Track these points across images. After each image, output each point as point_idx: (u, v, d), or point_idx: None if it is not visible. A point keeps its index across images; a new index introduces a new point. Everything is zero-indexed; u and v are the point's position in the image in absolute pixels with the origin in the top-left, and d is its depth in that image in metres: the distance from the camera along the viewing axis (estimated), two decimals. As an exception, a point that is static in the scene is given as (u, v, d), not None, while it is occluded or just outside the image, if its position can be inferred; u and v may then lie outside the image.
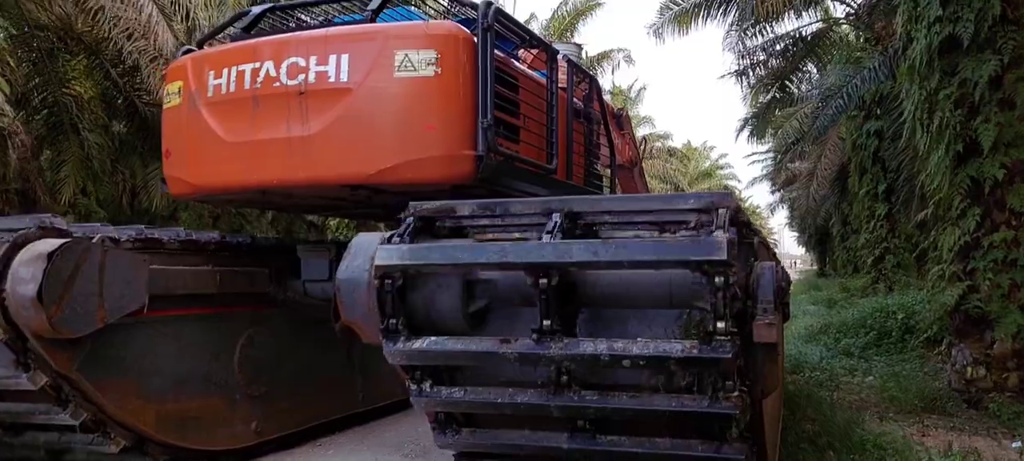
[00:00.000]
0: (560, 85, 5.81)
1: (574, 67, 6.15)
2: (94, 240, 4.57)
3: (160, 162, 5.75)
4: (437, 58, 4.71)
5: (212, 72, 5.20)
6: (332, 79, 4.84)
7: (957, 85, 7.08)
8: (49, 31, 13.01)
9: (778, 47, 14.26)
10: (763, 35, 14.35)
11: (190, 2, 13.99)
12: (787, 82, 14.62)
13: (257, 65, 5.03)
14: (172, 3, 13.48)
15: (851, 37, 14.95)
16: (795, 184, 26.12)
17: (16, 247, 4.37)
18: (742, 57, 14.77)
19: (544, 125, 5.54)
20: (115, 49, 12.93)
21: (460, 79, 4.76)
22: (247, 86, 5.05)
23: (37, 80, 12.98)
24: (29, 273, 4.24)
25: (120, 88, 14.33)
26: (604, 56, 27.00)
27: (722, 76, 32.47)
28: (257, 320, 5.90)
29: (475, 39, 4.84)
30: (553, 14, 25.35)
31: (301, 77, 4.90)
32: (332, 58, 4.85)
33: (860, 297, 13.24)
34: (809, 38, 14.42)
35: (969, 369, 7.38)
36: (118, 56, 13.22)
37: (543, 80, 5.68)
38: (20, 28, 12.81)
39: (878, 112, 12.06)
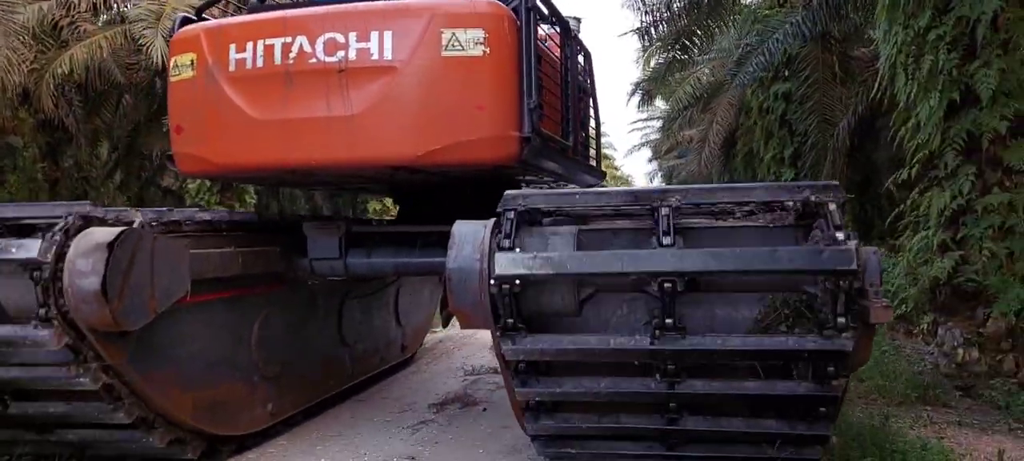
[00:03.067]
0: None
1: (577, 41, 6.53)
2: (141, 226, 4.56)
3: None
4: (485, 37, 4.95)
5: (234, 45, 5.19)
6: (375, 57, 4.97)
7: (952, 24, 6.44)
8: None
9: (679, 3, 15.06)
10: (664, -10, 15.19)
11: None
12: (687, 43, 15.49)
13: (288, 39, 5.08)
14: None
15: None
16: (673, 152, 27.66)
17: (67, 237, 4.31)
18: (645, 14, 15.59)
19: (561, 101, 5.91)
20: None
21: (506, 59, 5.03)
22: (278, 61, 5.09)
23: None
24: (89, 265, 4.22)
25: None
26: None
27: (623, 34, 33.48)
28: (270, 300, 6.01)
29: (515, 17, 5.12)
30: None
31: (340, 54, 4.99)
32: (374, 35, 4.98)
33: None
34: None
35: (960, 351, 6.82)
36: None
37: (552, 55, 6.03)
38: None
39: (786, 74, 13.06)
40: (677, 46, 15.63)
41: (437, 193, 6.44)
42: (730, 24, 15.47)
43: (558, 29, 5.97)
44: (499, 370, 7.44)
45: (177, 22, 5.63)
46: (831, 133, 11.91)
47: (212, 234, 5.40)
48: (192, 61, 5.31)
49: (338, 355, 7.07)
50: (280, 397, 6.04)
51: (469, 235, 4.07)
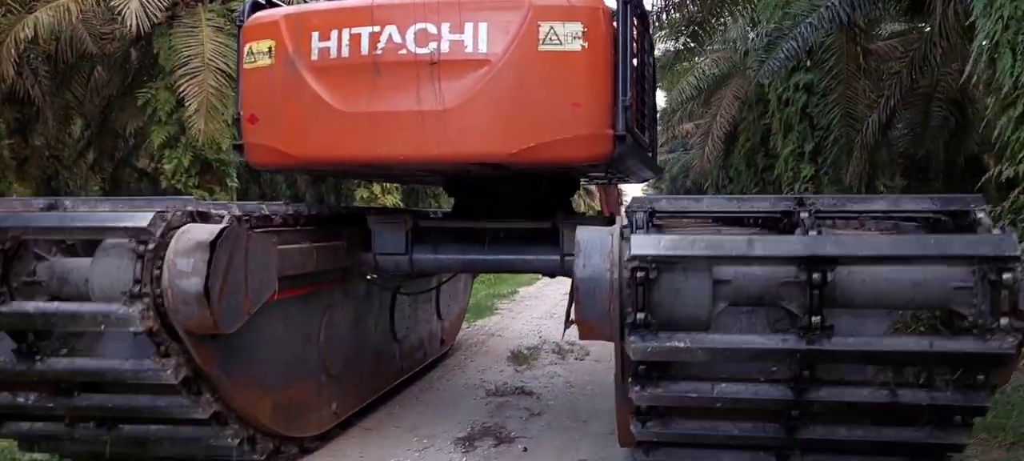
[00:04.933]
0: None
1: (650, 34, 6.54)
2: (238, 224, 4.51)
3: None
4: (583, 31, 4.95)
5: (317, 33, 5.14)
6: (469, 49, 4.97)
7: None
8: None
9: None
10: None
11: None
12: (698, 30, 15.47)
13: (376, 29, 5.05)
14: None
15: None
16: (666, 146, 27.54)
17: (167, 234, 4.24)
18: (659, -3, 15.53)
19: (639, 95, 5.91)
20: None
21: (603, 54, 5.04)
22: (365, 52, 5.05)
23: None
24: (190, 265, 4.16)
25: None
26: None
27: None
28: (334, 297, 5.98)
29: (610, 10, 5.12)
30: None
31: (432, 45, 4.97)
32: (468, 26, 4.97)
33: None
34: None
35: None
36: None
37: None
38: None
39: (808, 64, 13.09)
40: (687, 33, 15.65)
41: (496, 186, 6.43)
42: (744, 12, 15.56)
43: (637, 22, 5.98)
44: (528, 392, 7.29)
45: (248, 7, 5.54)
46: (856, 128, 12.01)
47: (288, 229, 5.34)
48: (270, 48, 5.25)
49: (390, 350, 7.09)
50: (342, 396, 6.03)
51: (596, 243, 4.04)
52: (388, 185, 19.25)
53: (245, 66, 5.39)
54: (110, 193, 19.17)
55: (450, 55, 4.96)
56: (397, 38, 5.01)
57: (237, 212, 4.66)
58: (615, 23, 5.12)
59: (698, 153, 20.25)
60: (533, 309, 13.56)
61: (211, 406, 4.65)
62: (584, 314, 4.05)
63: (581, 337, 4.25)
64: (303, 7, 5.41)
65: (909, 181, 15.12)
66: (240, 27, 5.54)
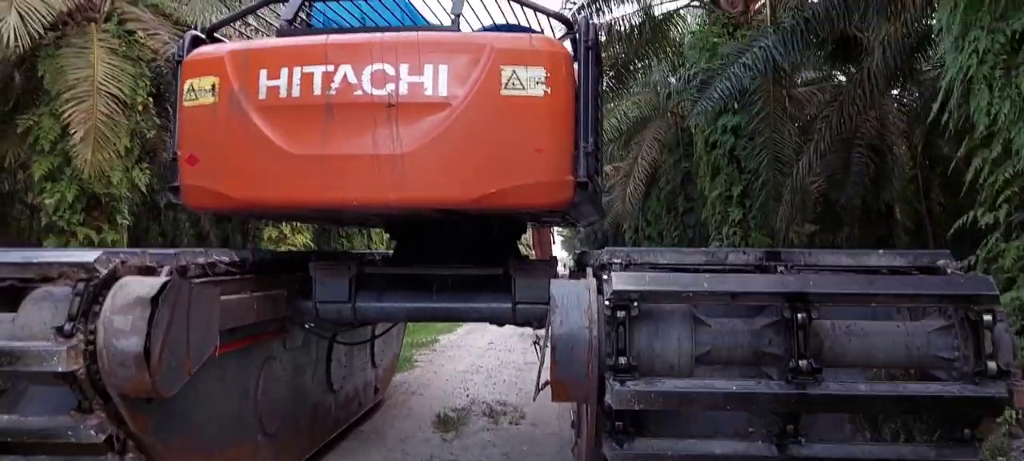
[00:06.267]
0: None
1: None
2: (179, 277, 4.19)
3: None
4: (546, 76, 4.86)
5: (265, 71, 4.88)
6: (429, 92, 4.81)
7: None
8: None
9: (619, 29, 15.13)
10: (601, 15, 15.23)
11: None
12: (623, 71, 15.50)
13: (330, 68, 4.83)
14: None
15: (695, 25, 16.12)
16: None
17: (100, 288, 3.89)
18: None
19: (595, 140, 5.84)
20: None
21: (565, 100, 4.95)
22: (318, 92, 4.83)
23: None
24: (127, 323, 3.82)
25: None
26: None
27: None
28: (273, 349, 5.64)
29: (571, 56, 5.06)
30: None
31: (390, 87, 4.79)
32: (428, 68, 4.82)
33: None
34: (659, 19, 15.26)
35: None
36: None
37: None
38: None
39: (735, 106, 13.26)
40: (611, 75, 15.70)
41: (443, 230, 6.25)
42: (667, 56, 15.76)
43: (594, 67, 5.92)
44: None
45: (188, 42, 5.24)
46: (785, 171, 12.21)
47: (228, 278, 5.00)
48: (213, 86, 4.96)
49: (326, 403, 6.76)
50: (279, 455, 5.68)
51: (573, 298, 3.91)
52: (298, 225, 18.53)
53: (185, 104, 5.06)
54: (-2, 233, 17.93)
55: (408, 98, 4.78)
56: (352, 78, 4.81)
57: (180, 262, 4.32)
58: (576, 67, 5.08)
59: (619, 195, 20.36)
60: (457, 361, 12.88)
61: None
62: (561, 373, 3.89)
63: (554, 398, 4.08)
64: (251, 43, 5.11)
65: (820, 226, 15.22)
66: (180, 63, 5.23)
